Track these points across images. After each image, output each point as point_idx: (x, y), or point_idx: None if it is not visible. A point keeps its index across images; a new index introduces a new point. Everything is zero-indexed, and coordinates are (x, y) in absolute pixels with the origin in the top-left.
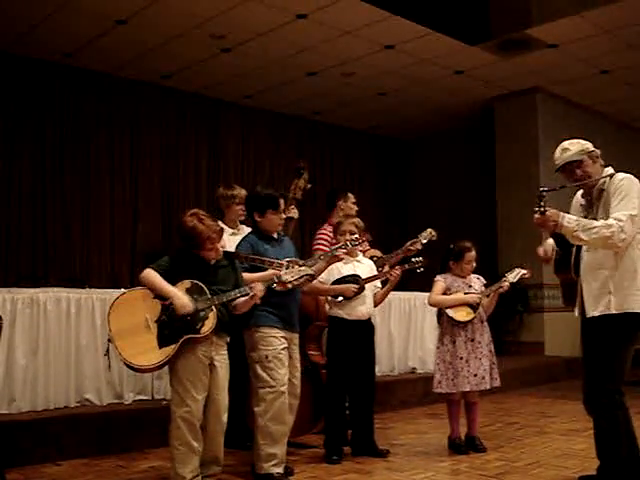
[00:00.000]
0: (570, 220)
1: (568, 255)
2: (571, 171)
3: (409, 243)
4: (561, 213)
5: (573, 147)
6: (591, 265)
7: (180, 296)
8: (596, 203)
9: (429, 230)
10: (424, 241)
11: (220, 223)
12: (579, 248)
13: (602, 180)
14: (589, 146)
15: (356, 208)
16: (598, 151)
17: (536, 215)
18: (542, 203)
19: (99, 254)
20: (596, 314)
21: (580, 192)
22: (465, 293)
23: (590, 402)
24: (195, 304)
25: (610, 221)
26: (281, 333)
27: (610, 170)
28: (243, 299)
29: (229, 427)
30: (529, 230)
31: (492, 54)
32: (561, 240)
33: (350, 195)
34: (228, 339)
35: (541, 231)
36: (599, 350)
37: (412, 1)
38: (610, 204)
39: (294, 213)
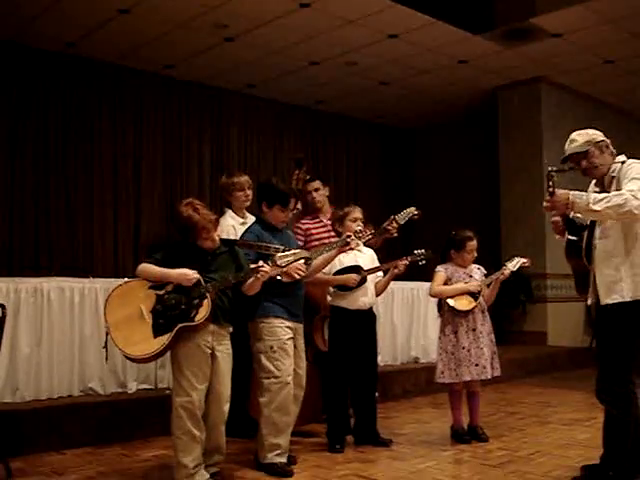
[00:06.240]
0: (581, 195)
1: (579, 241)
2: (577, 162)
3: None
4: (570, 191)
5: (580, 138)
6: (603, 253)
7: (177, 271)
8: (608, 191)
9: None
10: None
11: (230, 212)
12: (590, 235)
13: (613, 167)
14: (597, 136)
15: (319, 197)
16: (607, 140)
17: (546, 199)
18: (551, 183)
19: (102, 244)
20: (610, 302)
21: (593, 182)
22: (465, 283)
23: (603, 390)
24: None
25: (622, 191)
26: (286, 323)
27: (622, 158)
28: (251, 280)
29: (233, 416)
30: (532, 220)
31: (496, 43)
32: (572, 226)
33: (310, 185)
34: (231, 329)
35: (552, 214)
36: (614, 338)
37: None
38: (622, 187)
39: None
